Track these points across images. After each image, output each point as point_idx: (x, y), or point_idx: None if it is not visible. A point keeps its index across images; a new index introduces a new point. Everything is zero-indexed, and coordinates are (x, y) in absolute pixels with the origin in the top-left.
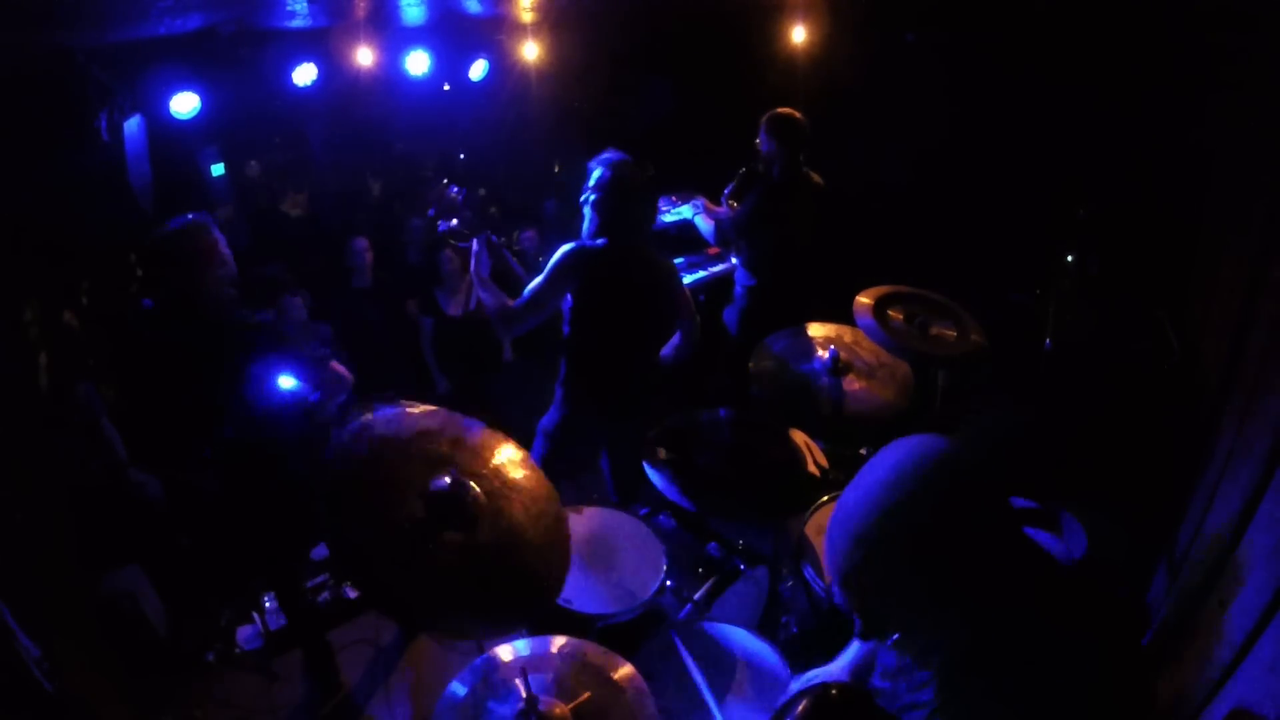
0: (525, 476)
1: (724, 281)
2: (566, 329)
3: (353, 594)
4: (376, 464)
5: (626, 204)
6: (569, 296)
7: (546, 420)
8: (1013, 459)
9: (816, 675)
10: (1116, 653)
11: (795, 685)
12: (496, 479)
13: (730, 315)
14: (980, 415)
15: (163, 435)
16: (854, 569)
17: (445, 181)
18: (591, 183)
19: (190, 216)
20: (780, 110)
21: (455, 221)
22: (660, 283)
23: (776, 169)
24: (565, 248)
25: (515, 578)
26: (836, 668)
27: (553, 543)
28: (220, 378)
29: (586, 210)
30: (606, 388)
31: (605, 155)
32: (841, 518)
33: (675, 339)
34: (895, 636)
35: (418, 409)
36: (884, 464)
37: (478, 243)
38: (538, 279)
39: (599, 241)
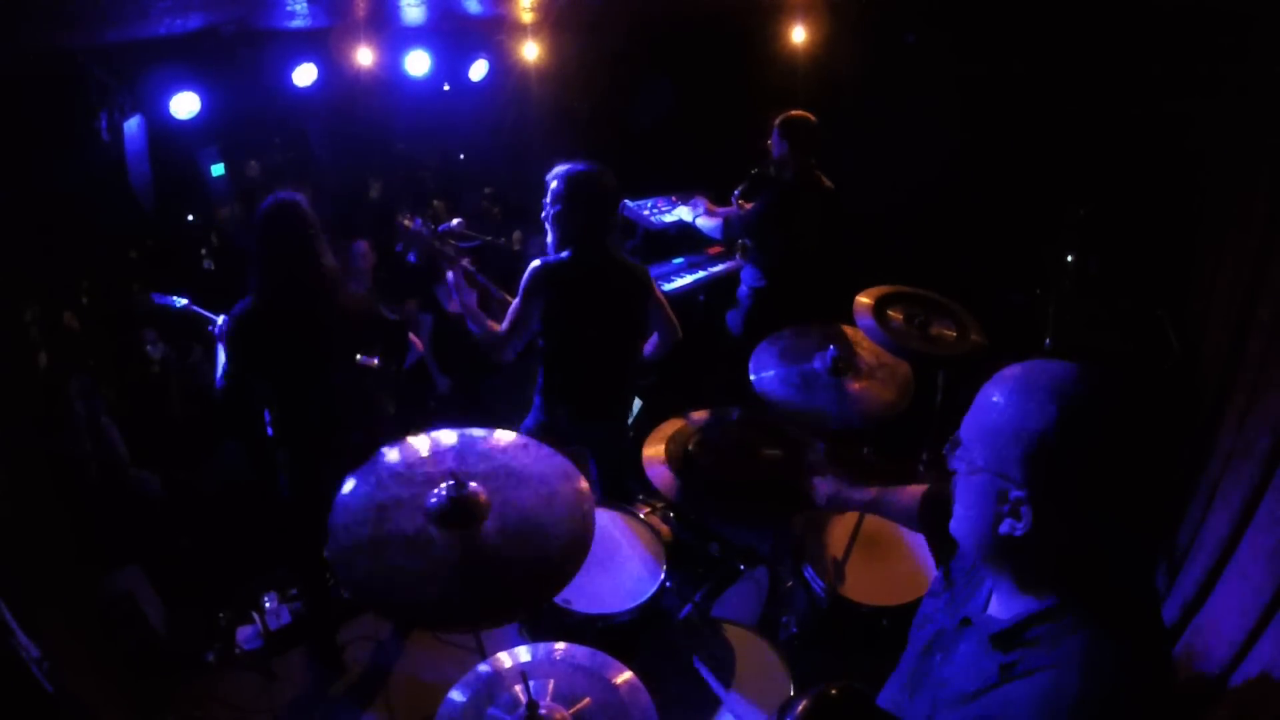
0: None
1: (723, 281)
2: (541, 340)
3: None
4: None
5: (585, 215)
6: (539, 311)
7: (527, 423)
8: None
9: None
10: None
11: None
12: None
13: (734, 316)
14: None
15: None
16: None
17: (408, 215)
18: (549, 197)
19: (280, 195)
20: (794, 113)
21: (456, 221)
22: (629, 289)
23: (789, 172)
24: (532, 265)
25: (527, 565)
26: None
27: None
28: (330, 348)
29: (547, 225)
30: (580, 392)
31: (561, 168)
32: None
33: (654, 339)
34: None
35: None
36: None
37: (454, 275)
38: (514, 302)
39: (562, 255)
